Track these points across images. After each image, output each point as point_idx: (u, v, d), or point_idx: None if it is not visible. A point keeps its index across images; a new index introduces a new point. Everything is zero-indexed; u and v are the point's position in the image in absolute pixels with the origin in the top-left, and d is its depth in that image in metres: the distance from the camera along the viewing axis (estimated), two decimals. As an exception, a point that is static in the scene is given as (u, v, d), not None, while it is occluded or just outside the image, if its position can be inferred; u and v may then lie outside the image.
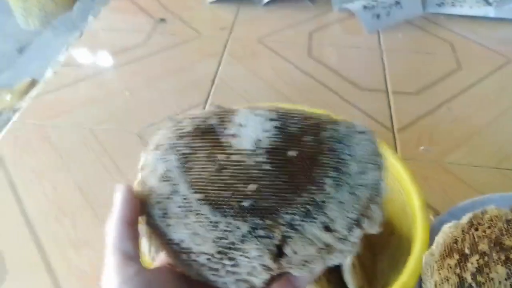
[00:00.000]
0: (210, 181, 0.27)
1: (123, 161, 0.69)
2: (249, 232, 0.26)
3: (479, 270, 0.38)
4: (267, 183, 0.27)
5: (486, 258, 0.39)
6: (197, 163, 0.28)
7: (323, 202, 0.27)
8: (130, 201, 0.27)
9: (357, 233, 0.27)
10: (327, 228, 0.27)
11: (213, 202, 0.27)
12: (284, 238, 0.26)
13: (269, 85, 0.85)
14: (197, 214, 0.27)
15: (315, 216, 0.27)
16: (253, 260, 0.26)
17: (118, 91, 0.83)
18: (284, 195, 0.27)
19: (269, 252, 0.26)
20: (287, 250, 0.26)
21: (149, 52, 0.93)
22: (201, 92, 0.82)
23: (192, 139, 0.29)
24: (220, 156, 0.28)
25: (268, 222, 0.26)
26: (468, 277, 0.38)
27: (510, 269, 0.38)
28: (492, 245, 0.39)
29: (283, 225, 0.26)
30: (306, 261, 0.26)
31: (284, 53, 0.93)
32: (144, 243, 0.29)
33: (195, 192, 0.27)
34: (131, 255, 0.26)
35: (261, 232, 0.26)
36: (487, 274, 0.38)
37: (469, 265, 0.39)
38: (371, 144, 0.30)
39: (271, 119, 0.29)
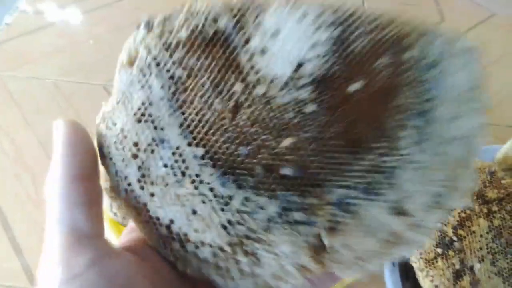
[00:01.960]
0: (218, 127, 0.17)
1: (88, 115, 0.64)
2: (279, 214, 0.17)
3: (461, 223, 0.37)
4: (311, 135, 0.17)
5: (468, 211, 0.37)
6: (197, 94, 0.18)
7: (395, 168, 0.17)
8: (81, 143, 0.18)
9: (436, 216, 0.18)
10: (397, 210, 0.17)
11: (222, 162, 0.17)
12: (333, 225, 0.17)
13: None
14: (196, 180, 0.17)
15: (382, 190, 0.17)
16: (283, 257, 0.18)
17: (83, 41, 0.77)
18: (336, 157, 0.17)
19: (308, 246, 0.17)
20: (335, 242, 0.17)
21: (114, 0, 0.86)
22: (173, 43, 0.77)
23: (189, 52, 0.18)
24: (237, 86, 0.17)
25: (309, 199, 0.17)
26: (449, 230, 0.37)
27: (492, 222, 0.36)
28: (474, 197, 0.37)
29: (332, 204, 0.17)
30: (359, 259, 0.18)
31: None
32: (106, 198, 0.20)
33: (193, 144, 0.17)
34: (84, 233, 0.16)
35: (297, 216, 0.17)
36: (469, 227, 0.36)
37: (450, 218, 0.37)
38: (475, 70, 0.19)
39: (326, 26, 0.17)
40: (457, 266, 0.35)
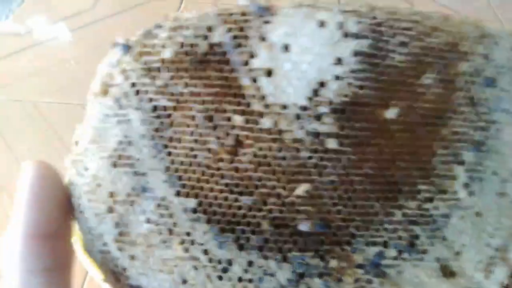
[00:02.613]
0: (213, 171, 0.14)
1: (69, 136, 0.64)
2: (294, 282, 0.13)
3: None
4: (334, 179, 0.13)
5: None
6: (186, 130, 0.14)
7: (445, 216, 0.13)
8: (49, 190, 0.15)
9: (499, 275, 0.14)
10: (447, 271, 0.14)
11: (220, 217, 0.14)
12: None
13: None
14: (187, 240, 0.14)
15: (427, 246, 0.13)
16: None
17: (63, 61, 0.77)
18: (368, 206, 0.13)
19: None
20: None
21: (97, 18, 0.86)
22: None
23: (175, 76, 0.14)
24: (236, 118, 0.14)
25: (332, 262, 0.13)
26: None
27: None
28: None
29: (363, 267, 0.13)
30: None
31: None
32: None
33: (182, 194, 0.14)
34: None
35: (317, 284, 0.13)
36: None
37: None
38: None
39: (353, 35, 0.13)
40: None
